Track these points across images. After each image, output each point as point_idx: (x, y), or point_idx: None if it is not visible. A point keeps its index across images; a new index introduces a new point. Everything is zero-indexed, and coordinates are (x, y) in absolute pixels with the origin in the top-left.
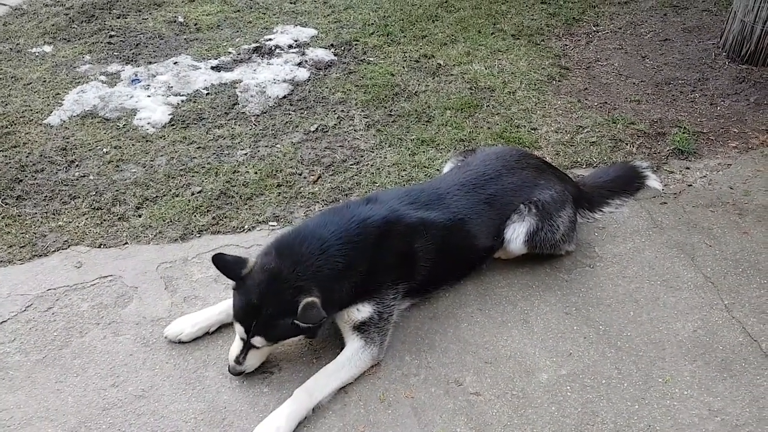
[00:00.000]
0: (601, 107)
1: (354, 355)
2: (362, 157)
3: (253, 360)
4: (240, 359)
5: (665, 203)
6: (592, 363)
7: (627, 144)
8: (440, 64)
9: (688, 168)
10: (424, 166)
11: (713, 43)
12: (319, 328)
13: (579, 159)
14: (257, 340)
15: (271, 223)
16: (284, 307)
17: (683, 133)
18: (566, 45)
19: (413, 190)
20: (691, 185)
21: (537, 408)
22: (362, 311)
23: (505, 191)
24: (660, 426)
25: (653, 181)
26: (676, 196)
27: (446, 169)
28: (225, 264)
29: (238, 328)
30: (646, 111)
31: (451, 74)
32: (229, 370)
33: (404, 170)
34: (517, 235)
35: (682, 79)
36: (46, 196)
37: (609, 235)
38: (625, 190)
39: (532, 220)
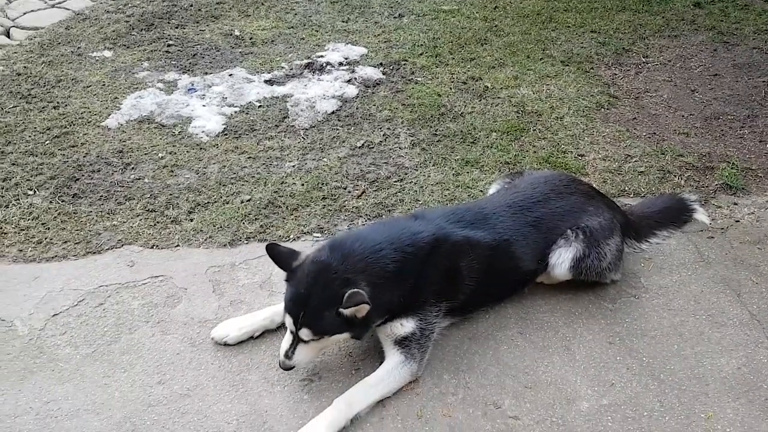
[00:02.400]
0: (649, 138)
1: (394, 369)
2: (406, 174)
3: (301, 355)
4: (289, 353)
5: (712, 237)
6: (634, 394)
7: (675, 176)
8: (487, 87)
9: (735, 204)
10: (468, 187)
11: (764, 81)
12: (366, 330)
13: (626, 188)
14: (304, 333)
15: (315, 235)
16: (331, 297)
17: (732, 168)
18: (615, 74)
19: (459, 209)
20: (738, 221)
21: None
22: (405, 326)
23: (552, 215)
24: None
25: (701, 215)
26: (723, 231)
27: (492, 190)
28: (278, 254)
29: (288, 321)
30: (694, 144)
31: (498, 97)
32: (279, 365)
33: (447, 190)
34: (562, 260)
35: (731, 114)
36: (102, 196)
37: (655, 266)
38: (673, 222)
39: (579, 246)
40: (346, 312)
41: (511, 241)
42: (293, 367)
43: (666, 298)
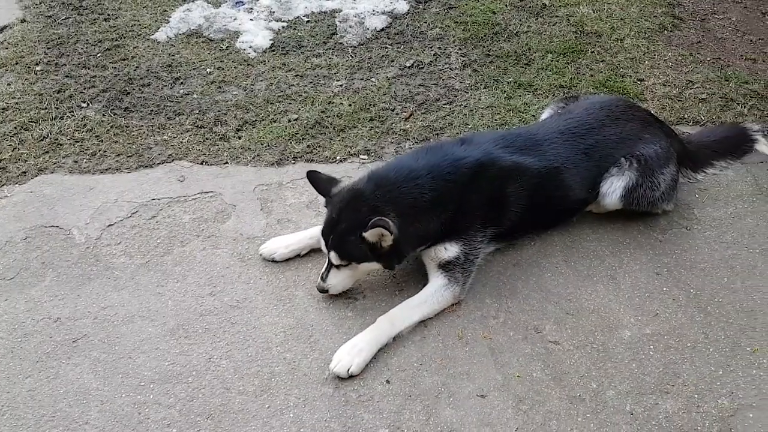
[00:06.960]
0: (713, 63)
1: (437, 291)
2: (456, 97)
3: (334, 280)
4: (323, 276)
5: None
6: (678, 325)
7: (738, 104)
8: (545, 4)
9: None
10: (520, 111)
11: None
12: (397, 260)
13: (686, 115)
14: (332, 256)
15: (362, 157)
16: (356, 223)
17: None
18: None
19: (509, 134)
20: None
21: (617, 363)
22: (449, 250)
23: (606, 143)
24: (743, 394)
25: (763, 146)
26: None
27: (545, 115)
28: (318, 180)
29: (322, 243)
30: (762, 71)
31: (556, 16)
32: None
33: (498, 114)
34: (614, 189)
35: None
36: (152, 110)
37: (710, 197)
38: (732, 152)
39: (632, 175)
40: (367, 236)
41: (562, 169)
42: (327, 290)
43: (719, 231)
